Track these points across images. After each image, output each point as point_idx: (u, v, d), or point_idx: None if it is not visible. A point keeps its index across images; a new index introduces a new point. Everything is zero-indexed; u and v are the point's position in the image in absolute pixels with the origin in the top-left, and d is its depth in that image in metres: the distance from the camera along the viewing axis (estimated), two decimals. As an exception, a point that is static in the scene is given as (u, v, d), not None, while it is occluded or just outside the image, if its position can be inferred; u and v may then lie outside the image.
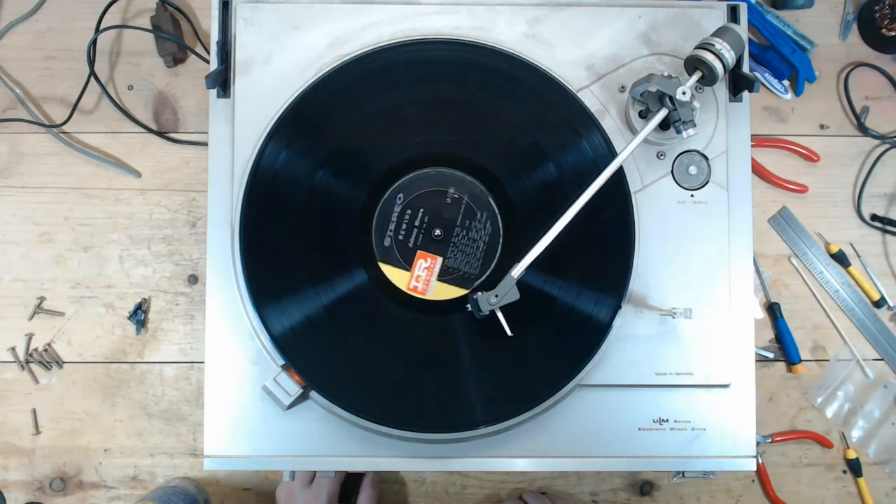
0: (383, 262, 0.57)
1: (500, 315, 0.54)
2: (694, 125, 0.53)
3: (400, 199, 0.57)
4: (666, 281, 0.58)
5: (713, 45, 0.53)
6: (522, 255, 0.53)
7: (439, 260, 0.57)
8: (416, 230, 0.57)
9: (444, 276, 0.57)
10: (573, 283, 0.57)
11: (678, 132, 0.54)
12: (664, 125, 0.56)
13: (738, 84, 0.59)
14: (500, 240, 0.57)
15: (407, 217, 0.57)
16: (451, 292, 0.57)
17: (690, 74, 0.54)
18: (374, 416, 0.56)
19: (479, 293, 0.53)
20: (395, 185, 0.57)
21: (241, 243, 0.57)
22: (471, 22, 0.60)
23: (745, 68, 0.59)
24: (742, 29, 0.54)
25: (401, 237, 0.57)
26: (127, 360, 0.72)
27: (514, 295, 0.53)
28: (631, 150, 0.53)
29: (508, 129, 0.58)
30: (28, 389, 0.71)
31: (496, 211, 0.57)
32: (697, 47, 0.54)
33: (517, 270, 0.53)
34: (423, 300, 0.57)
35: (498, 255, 0.57)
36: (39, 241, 0.72)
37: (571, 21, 0.60)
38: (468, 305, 0.54)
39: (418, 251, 0.57)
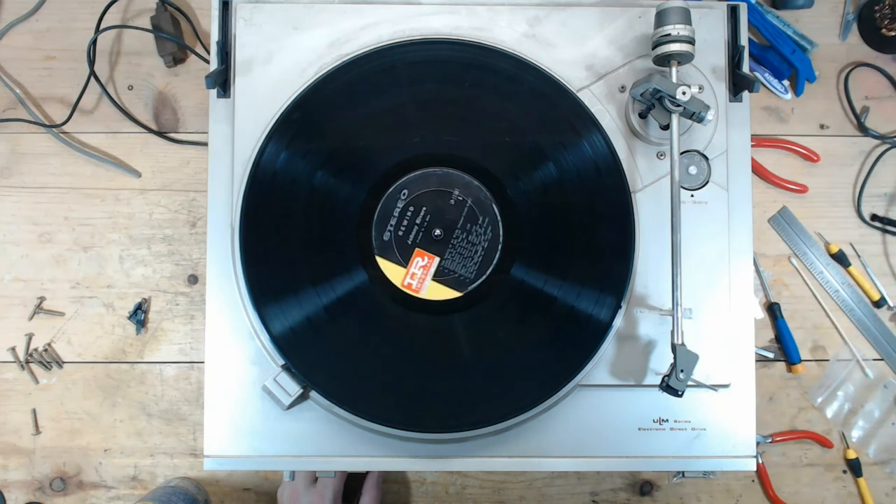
0: (381, 256, 0.57)
1: (697, 381, 0.54)
2: (708, 107, 0.53)
3: (400, 199, 0.57)
4: (666, 281, 0.58)
5: (669, 34, 0.53)
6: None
7: (436, 260, 0.57)
8: (416, 229, 0.57)
9: (440, 276, 0.57)
10: (573, 283, 0.57)
11: (700, 121, 0.54)
12: (667, 126, 0.56)
13: (738, 84, 0.59)
14: (500, 242, 0.57)
15: (407, 217, 0.57)
16: (445, 293, 0.57)
17: (666, 67, 0.55)
18: (374, 416, 0.56)
19: (664, 378, 0.53)
20: (396, 184, 0.57)
21: (241, 243, 0.57)
22: (471, 22, 0.60)
23: (745, 68, 0.59)
24: (673, 1, 0.54)
25: (400, 235, 0.57)
26: (127, 360, 0.72)
27: (695, 359, 0.53)
28: (678, 172, 0.53)
29: (508, 129, 0.58)
30: (28, 389, 0.71)
31: (497, 212, 0.57)
32: (657, 45, 0.54)
33: (678, 337, 0.53)
34: (424, 300, 0.57)
35: (497, 256, 0.57)
36: (39, 241, 0.72)
37: (571, 21, 0.60)
38: (661, 390, 0.53)
39: (416, 248, 0.57)
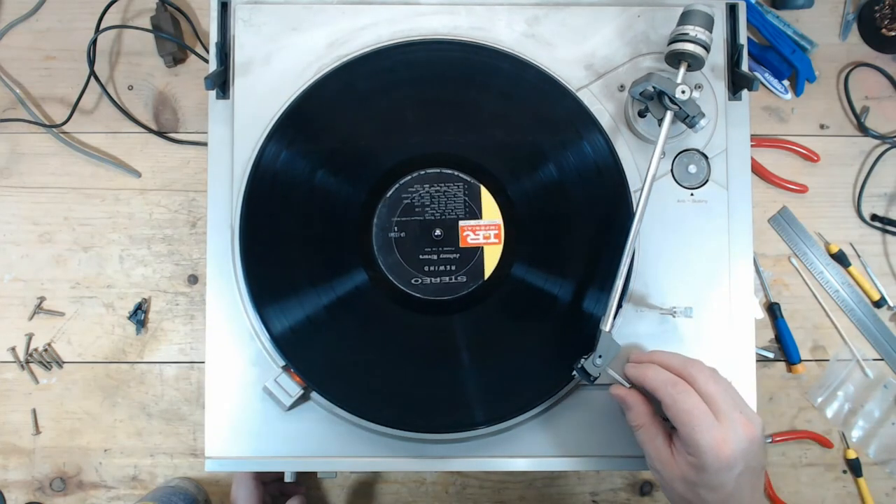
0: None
1: (613, 374, 0.54)
2: (703, 114, 0.53)
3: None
4: (666, 280, 0.58)
5: (687, 34, 0.53)
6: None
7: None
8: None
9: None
10: (573, 283, 0.57)
11: (691, 127, 0.54)
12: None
13: (738, 82, 0.59)
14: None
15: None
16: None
17: (676, 68, 0.55)
18: (374, 416, 0.56)
19: (582, 360, 0.53)
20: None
21: (241, 243, 0.57)
22: (470, 22, 0.60)
23: (745, 67, 0.59)
24: (702, 4, 0.54)
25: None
26: (127, 360, 0.72)
27: (616, 349, 0.53)
28: (656, 165, 0.53)
29: (508, 129, 0.58)
30: (28, 389, 0.71)
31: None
32: (673, 41, 0.54)
33: (607, 324, 0.53)
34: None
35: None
36: (39, 241, 0.72)
37: (570, 20, 0.60)
38: (574, 373, 0.54)
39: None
